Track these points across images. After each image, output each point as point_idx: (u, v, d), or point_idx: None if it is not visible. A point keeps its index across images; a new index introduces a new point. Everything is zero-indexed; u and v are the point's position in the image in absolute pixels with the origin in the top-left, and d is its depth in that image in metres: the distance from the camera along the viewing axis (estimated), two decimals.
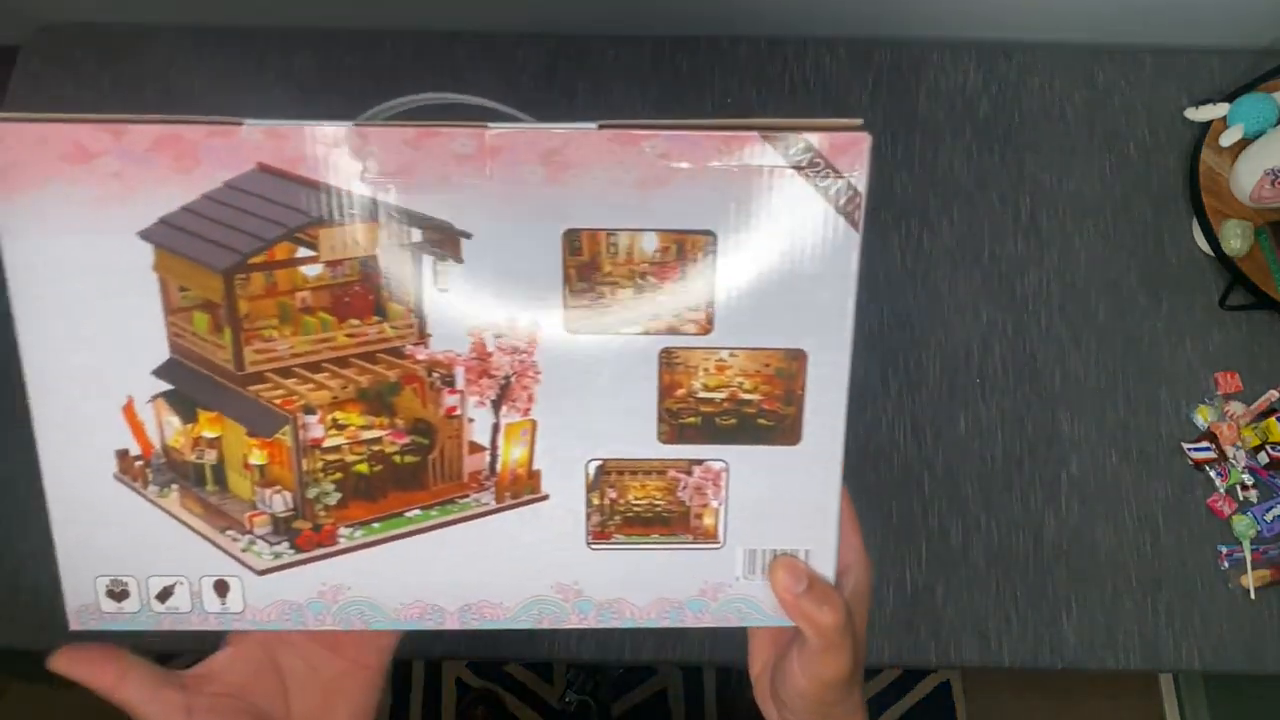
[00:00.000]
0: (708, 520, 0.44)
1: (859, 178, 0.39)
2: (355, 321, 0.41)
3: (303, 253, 0.40)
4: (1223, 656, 0.75)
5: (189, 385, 0.41)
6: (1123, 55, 0.92)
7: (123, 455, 0.42)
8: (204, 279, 0.40)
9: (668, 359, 0.42)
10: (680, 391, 0.43)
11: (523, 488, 0.43)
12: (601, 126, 0.39)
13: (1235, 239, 0.80)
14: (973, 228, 0.86)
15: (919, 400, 0.82)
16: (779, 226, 0.40)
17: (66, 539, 0.43)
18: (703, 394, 0.43)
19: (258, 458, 0.42)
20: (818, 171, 0.39)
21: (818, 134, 0.39)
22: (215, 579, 0.43)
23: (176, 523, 0.43)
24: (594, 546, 0.44)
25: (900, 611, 0.77)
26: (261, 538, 0.43)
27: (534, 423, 0.42)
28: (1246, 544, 0.76)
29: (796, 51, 0.92)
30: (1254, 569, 0.76)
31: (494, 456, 0.43)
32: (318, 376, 0.42)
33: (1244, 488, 0.78)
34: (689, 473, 0.44)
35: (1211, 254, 0.83)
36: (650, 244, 0.40)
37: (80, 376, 0.41)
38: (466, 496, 0.43)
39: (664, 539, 0.44)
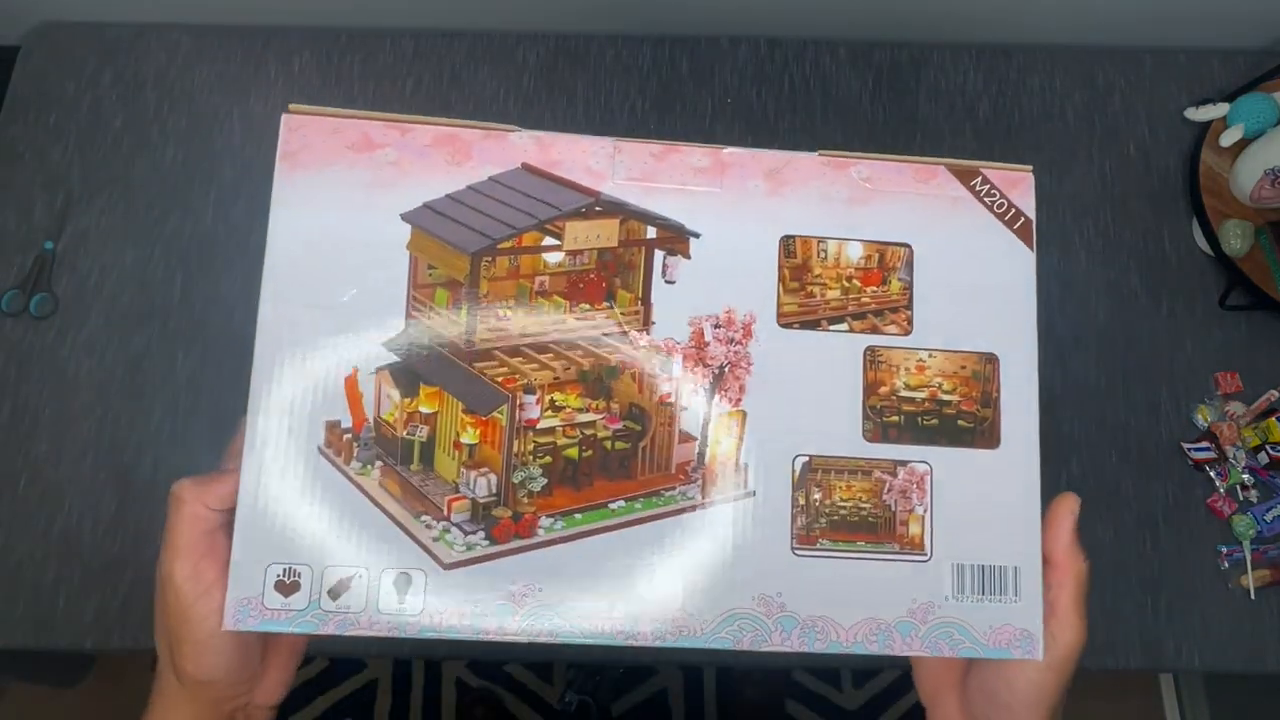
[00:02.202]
0: (914, 528, 0.45)
1: (1028, 206, 0.46)
2: (586, 306, 0.44)
3: (548, 241, 0.44)
4: (1223, 656, 0.75)
5: (417, 358, 0.43)
6: (1123, 55, 0.92)
7: (333, 427, 0.42)
8: (453, 259, 0.43)
9: (872, 357, 0.45)
10: (884, 389, 0.45)
11: (730, 482, 0.44)
12: (820, 153, 0.46)
13: (1235, 239, 0.80)
14: None
15: None
16: (965, 243, 0.46)
17: (248, 516, 0.41)
18: (905, 392, 0.45)
19: (470, 436, 0.43)
20: (995, 200, 0.46)
21: (992, 170, 0.46)
22: (397, 572, 0.41)
23: (370, 504, 0.42)
24: (799, 552, 0.44)
25: None
26: (457, 525, 0.42)
27: (744, 414, 0.44)
28: (1246, 544, 0.76)
29: (796, 51, 0.92)
30: (1254, 569, 0.76)
31: (704, 447, 0.44)
32: (543, 357, 0.44)
33: (1244, 488, 0.78)
34: (894, 474, 0.45)
35: (1211, 254, 0.83)
36: (855, 252, 0.46)
37: (311, 344, 0.42)
38: (673, 489, 0.44)
39: (870, 547, 0.44)
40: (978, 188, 0.46)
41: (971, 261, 0.46)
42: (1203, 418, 0.79)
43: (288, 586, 0.41)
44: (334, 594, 0.41)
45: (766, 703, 1.39)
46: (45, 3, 0.92)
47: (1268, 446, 0.78)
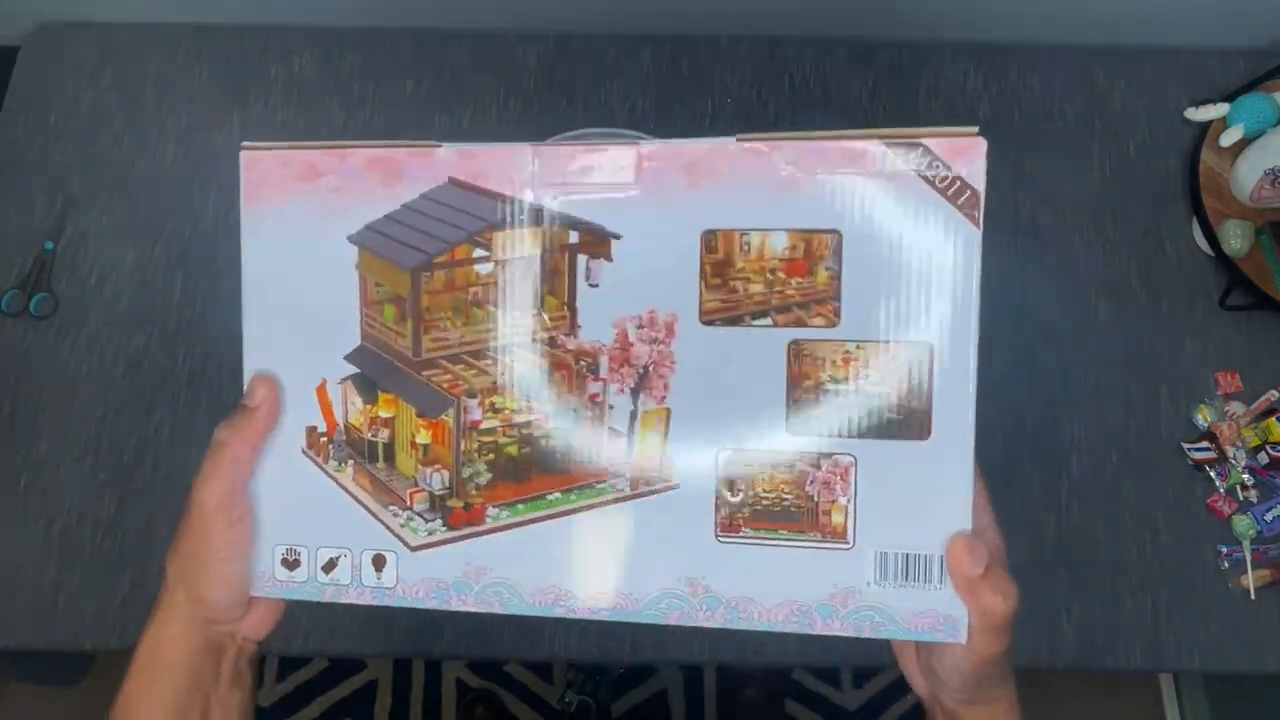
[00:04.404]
0: (836, 518, 0.45)
1: (977, 178, 0.42)
2: (516, 314, 0.46)
3: (478, 253, 0.46)
4: (1223, 656, 0.75)
5: (373, 369, 0.48)
6: (1123, 55, 0.92)
7: (311, 431, 0.48)
8: (395, 276, 0.46)
9: (796, 350, 0.44)
10: (808, 383, 0.44)
11: (655, 476, 0.46)
12: (739, 139, 0.43)
13: (1235, 239, 0.80)
14: None
15: None
16: (902, 225, 0.43)
17: (256, 504, 0.48)
18: (830, 385, 0.44)
19: (423, 437, 0.48)
20: (937, 174, 0.42)
21: (936, 139, 0.42)
22: (375, 553, 0.48)
23: (348, 496, 0.48)
24: (722, 539, 0.45)
25: None
26: (419, 514, 0.48)
27: (668, 410, 0.45)
28: (1246, 544, 0.76)
29: (796, 51, 0.92)
30: (1254, 569, 0.76)
31: (631, 443, 0.46)
32: (481, 363, 0.47)
33: (1244, 488, 0.78)
34: (817, 466, 0.45)
35: (1211, 254, 0.83)
36: (780, 242, 0.44)
37: (287, 359, 0.47)
38: (604, 482, 0.46)
39: (792, 535, 0.45)
40: (916, 161, 0.42)
41: (907, 244, 0.43)
42: (1203, 418, 0.79)
43: (291, 563, 0.48)
44: (326, 569, 0.48)
45: (766, 703, 1.39)
46: (45, 3, 0.92)
47: (1268, 446, 0.78)
